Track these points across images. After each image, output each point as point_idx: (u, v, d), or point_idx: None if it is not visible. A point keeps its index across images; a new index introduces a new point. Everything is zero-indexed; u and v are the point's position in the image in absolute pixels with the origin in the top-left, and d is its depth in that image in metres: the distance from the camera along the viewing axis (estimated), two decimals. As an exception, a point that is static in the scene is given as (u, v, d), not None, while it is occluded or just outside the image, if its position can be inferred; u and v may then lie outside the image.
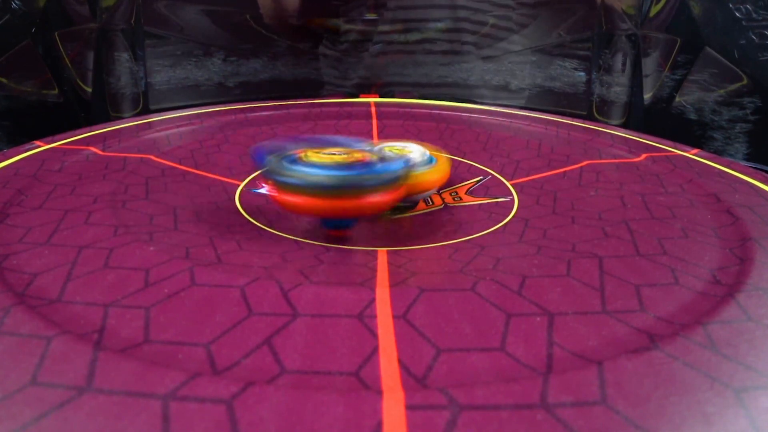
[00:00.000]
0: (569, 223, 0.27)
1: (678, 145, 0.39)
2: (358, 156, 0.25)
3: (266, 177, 0.25)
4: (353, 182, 0.23)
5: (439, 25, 0.62)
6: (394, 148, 0.31)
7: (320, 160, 0.24)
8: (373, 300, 0.19)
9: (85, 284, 0.20)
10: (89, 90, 0.56)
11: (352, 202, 0.23)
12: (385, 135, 0.43)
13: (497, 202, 0.31)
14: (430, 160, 0.31)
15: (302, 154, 0.25)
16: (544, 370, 0.16)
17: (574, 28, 0.61)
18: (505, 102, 0.62)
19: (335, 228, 0.26)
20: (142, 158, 0.34)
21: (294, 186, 0.23)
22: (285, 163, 0.24)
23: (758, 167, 0.41)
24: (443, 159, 0.31)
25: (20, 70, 0.50)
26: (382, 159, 0.26)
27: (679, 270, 0.22)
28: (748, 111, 0.47)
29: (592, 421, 0.14)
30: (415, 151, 0.31)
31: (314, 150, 0.25)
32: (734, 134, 0.48)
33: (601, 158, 0.37)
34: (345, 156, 0.25)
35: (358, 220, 0.26)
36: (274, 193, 0.24)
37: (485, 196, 0.32)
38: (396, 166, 0.25)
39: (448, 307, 0.19)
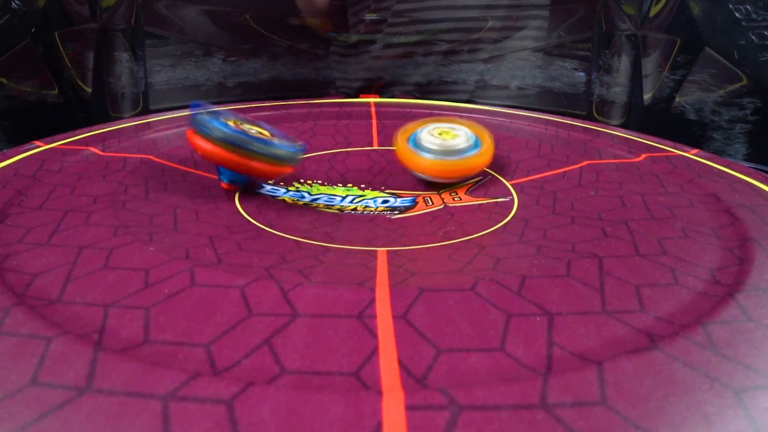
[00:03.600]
0: (569, 223, 0.27)
1: (678, 145, 0.39)
2: (263, 132, 0.31)
3: (190, 124, 0.30)
4: (239, 142, 0.29)
5: (440, 25, 0.62)
6: (441, 130, 0.33)
7: (230, 123, 0.29)
8: (373, 300, 0.19)
9: (85, 284, 0.20)
10: (89, 90, 0.56)
11: (240, 159, 0.29)
12: (385, 135, 0.43)
13: (497, 202, 0.31)
14: (477, 144, 0.32)
15: (224, 118, 0.30)
16: (544, 371, 0.16)
17: (574, 28, 0.61)
18: (505, 102, 0.62)
19: (229, 182, 0.31)
20: (142, 158, 0.34)
21: (203, 133, 0.29)
22: (207, 118, 0.29)
23: (758, 167, 0.41)
24: (488, 141, 0.33)
25: (20, 70, 0.50)
26: (281, 140, 0.31)
27: (679, 270, 0.22)
28: (748, 111, 0.47)
29: (592, 421, 0.14)
30: (461, 134, 0.32)
31: (238, 121, 0.31)
32: (734, 134, 0.48)
33: (601, 158, 0.37)
34: (252, 130, 0.30)
35: (248, 181, 0.31)
36: (192, 138, 0.29)
37: (485, 196, 0.32)
38: (283, 146, 0.30)
39: (448, 307, 0.19)
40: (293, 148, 0.31)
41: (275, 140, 0.30)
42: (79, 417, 0.13)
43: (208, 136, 0.28)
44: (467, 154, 0.32)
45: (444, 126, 0.34)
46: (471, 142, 0.32)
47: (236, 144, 0.28)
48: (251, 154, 0.29)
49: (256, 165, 0.29)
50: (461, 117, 0.47)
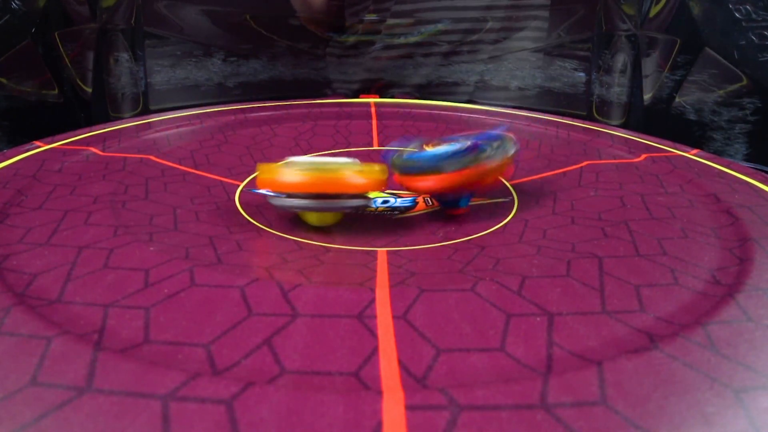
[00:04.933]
0: (569, 224, 0.27)
1: (678, 145, 0.39)
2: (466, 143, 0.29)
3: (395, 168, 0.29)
4: (468, 158, 0.27)
5: (439, 26, 0.62)
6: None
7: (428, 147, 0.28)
8: (372, 300, 0.19)
9: (85, 284, 0.20)
10: (89, 90, 0.56)
11: (469, 175, 0.27)
12: (385, 135, 0.43)
13: (497, 202, 0.31)
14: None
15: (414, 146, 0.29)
16: (544, 370, 0.16)
17: (574, 28, 0.61)
18: (505, 102, 0.62)
19: (453, 207, 0.29)
20: (142, 158, 0.34)
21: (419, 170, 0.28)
22: (408, 155, 0.28)
23: (758, 167, 0.41)
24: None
25: (20, 70, 0.50)
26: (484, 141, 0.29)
27: (678, 270, 0.22)
28: (748, 111, 0.47)
29: (592, 421, 0.14)
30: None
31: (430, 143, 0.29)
32: (734, 135, 0.48)
33: (600, 158, 0.37)
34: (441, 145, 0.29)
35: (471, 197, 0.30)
36: (407, 181, 0.28)
37: (485, 196, 0.32)
38: (498, 145, 0.28)
39: (448, 307, 0.19)
40: (511, 144, 0.29)
41: (486, 145, 0.28)
42: (79, 417, 0.13)
43: (435, 169, 0.27)
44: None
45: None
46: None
47: (467, 162, 0.27)
48: (494, 163, 0.27)
49: (493, 174, 0.28)
50: (461, 117, 0.48)
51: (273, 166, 0.27)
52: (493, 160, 0.27)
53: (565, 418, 0.14)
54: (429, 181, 0.28)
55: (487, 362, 0.16)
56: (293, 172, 0.26)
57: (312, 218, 0.28)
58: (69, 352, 0.16)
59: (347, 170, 0.26)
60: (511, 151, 0.28)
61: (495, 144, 0.28)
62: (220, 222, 0.27)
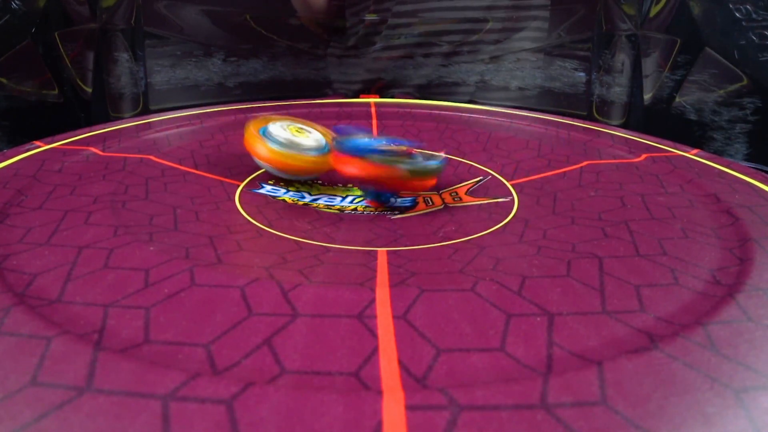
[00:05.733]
0: (569, 224, 0.27)
1: (678, 145, 0.39)
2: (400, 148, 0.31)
3: (337, 148, 0.30)
4: (393, 159, 0.29)
5: (440, 26, 0.62)
6: (295, 128, 0.34)
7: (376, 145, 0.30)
8: (373, 300, 0.19)
9: (85, 284, 0.20)
10: (89, 90, 0.56)
11: (391, 177, 0.29)
12: (386, 135, 0.43)
13: (497, 202, 0.31)
14: (325, 149, 0.33)
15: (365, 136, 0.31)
16: (544, 370, 0.16)
17: (574, 28, 0.61)
18: (505, 102, 0.62)
19: (375, 199, 0.31)
20: (142, 158, 0.34)
21: (351, 153, 0.29)
22: (355, 140, 0.30)
23: (758, 167, 0.41)
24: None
25: (20, 70, 0.50)
26: (424, 156, 0.32)
27: (679, 270, 0.22)
28: (748, 111, 0.47)
29: (592, 421, 0.14)
30: (313, 135, 0.34)
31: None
32: (734, 134, 0.48)
33: (601, 158, 0.37)
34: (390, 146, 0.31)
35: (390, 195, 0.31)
36: (340, 161, 0.30)
37: (485, 196, 0.32)
38: (431, 161, 0.31)
39: (448, 307, 0.19)
40: (438, 161, 0.31)
41: (418, 156, 0.31)
42: (79, 417, 0.13)
43: (362, 157, 0.29)
44: (310, 153, 0.32)
45: (299, 125, 0.34)
46: (321, 145, 0.33)
47: (387, 161, 0.29)
48: (404, 171, 0.29)
49: (407, 181, 0.29)
50: (461, 117, 0.48)
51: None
52: (410, 169, 0.29)
53: (565, 418, 0.14)
54: (353, 166, 0.29)
55: (487, 362, 0.16)
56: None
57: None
58: (69, 352, 0.16)
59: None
60: (431, 168, 0.30)
61: (421, 158, 0.30)
62: (220, 222, 0.27)
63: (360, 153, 0.29)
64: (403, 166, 0.29)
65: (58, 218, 0.25)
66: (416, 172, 0.29)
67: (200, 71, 0.61)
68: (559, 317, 0.18)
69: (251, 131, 0.33)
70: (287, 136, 0.32)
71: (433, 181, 0.31)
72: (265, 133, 0.33)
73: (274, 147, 0.32)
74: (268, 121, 0.34)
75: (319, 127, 0.35)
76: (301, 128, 0.34)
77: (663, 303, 0.19)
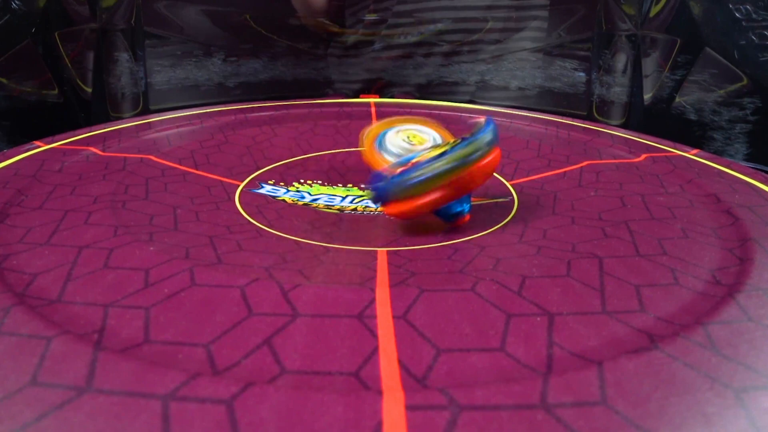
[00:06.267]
0: (569, 224, 0.27)
1: (678, 145, 0.39)
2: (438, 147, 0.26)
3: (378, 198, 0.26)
4: (435, 175, 0.25)
5: (439, 26, 0.62)
6: (409, 132, 0.31)
7: (400, 168, 0.25)
8: (373, 300, 0.19)
9: (85, 284, 0.20)
10: (89, 90, 0.56)
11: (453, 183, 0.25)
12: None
13: (497, 202, 0.31)
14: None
15: (391, 170, 0.26)
16: (544, 371, 0.16)
17: (574, 28, 0.61)
18: (506, 102, 0.62)
19: (455, 216, 0.27)
20: (142, 158, 0.34)
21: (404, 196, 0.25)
22: (388, 184, 0.25)
23: (758, 167, 0.41)
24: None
25: (20, 70, 0.50)
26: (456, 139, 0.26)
27: (679, 270, 0.22)
28: (748, 111, 0.47)
29: (592, 421, 0.14)
30: (429, 138, 0.31)
31: (395, 168, 0.26)
32: (734, 134, 0.48)
33: (601, 158, 0.37)
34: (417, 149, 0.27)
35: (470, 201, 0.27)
36: (397, 209, 0.25)
37: (485, 196, 0.32)
38: (465, 142, 0.25)
39: (448, 307, 0.19)
40: (479, 132, 0.25)
41: (459, 139, 0.26)
42: (79, 417, 0.13)
43: (410, 196, 0.25)
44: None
45: (411, 128, 0.31)
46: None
47: (452, 159, 0.24)
48: (450, 172, 0.24)
49: (466, 174, 0.25)
50: (461, 117, 0.48)
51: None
52: (486, 141, 0.25)
53: (566, 418, 0.14)
54: (434, 193, 0.25)
55: (487, 362, 0.16)
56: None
57: None
58: (69, 352, 0.16)
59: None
60: (489, 134, 0.25)
61: (463, 137, 0.25)
62: (220, 222, 0.27)
63: (412, 182, 0.25)
64: (474, 148, 0.24)
65: (58, 218, 0.25)
66: (490, 142, 0.25)
67: (200, 71, 0.61)
68: (559, 317, 0.18)
69: (369, 143, 0.30)
70: (404, 146, 0.29)
71: (498, 151, 0.26)
72: (381, 146, 0.30)
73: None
74: (384, 126, 0.31)
75: (433, 125, 0.32)
76: (416, 132, 0.30)
77: (663, 303, 0.19)
